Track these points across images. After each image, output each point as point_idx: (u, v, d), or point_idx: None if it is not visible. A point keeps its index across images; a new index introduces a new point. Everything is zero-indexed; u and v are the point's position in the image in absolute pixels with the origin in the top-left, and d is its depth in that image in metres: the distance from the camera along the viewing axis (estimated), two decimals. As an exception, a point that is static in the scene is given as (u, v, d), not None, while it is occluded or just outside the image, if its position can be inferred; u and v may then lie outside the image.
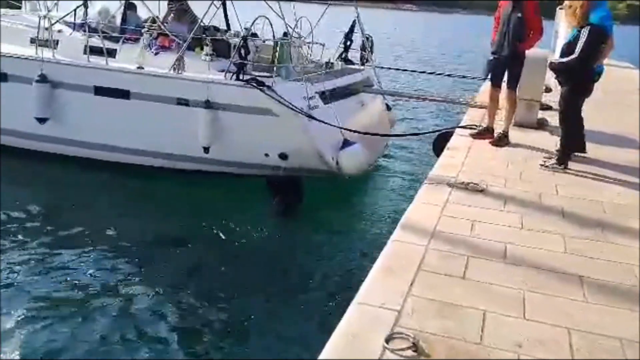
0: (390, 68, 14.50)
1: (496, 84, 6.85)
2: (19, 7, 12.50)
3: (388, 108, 10.69)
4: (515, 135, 6.90)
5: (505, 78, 6.79)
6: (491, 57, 6.82)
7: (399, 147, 11.26)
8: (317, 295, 5.85)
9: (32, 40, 9.26)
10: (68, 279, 5.88)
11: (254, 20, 8.45)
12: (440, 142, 8.11)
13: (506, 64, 6.66)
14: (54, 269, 6.05)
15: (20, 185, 8.42)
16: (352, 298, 3.03)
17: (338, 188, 8.60)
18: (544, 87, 7.87)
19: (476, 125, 7.22)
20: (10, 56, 9.01)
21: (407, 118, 13.95)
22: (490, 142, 6.60)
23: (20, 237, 6.71)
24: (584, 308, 3.10)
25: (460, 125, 7.57)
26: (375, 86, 10.39)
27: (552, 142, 6.47)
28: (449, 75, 14.68)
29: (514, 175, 5.47)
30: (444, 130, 9.03)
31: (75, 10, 9.30)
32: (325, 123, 7.96)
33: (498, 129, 6.87)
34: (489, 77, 6.99)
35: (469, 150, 6.31)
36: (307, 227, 7.60)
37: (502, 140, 6.60)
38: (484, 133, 6.85)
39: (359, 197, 9.03)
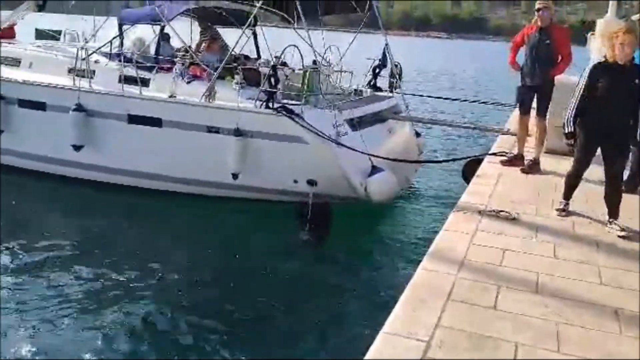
0: (419, 95, 14.51)
1: (525, 111, 6.79)
2: (58, 39, 13.04)
3: (417, 135, 10.66)
4: (546, 162, 6.79)
5: (535, 105, 6.72)
6: (520, 84, 6.78)
7: (427, 173, 11.18)
8: (344, 323, 5.79)
9: (70, 70, 9.61)
10: (88, 301, 5.97)
11: (284, 50, 8.60)
12: (469, 169, 8.04)
13: (535, 91, 6.60)
14: (79, 291, 6.15)
15: (57, 210, 8.64)
16: (380, 327, 2.99)
17: (366, 214, 8.56)
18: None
19: (506, 153, 7.14)
20: (49, 86, 9.35)
21: (436, 145, 13.88)
22: (520, 170, 6.51)
23: (53, 257, 6.86)
24: (620, 341, 2.99)
25: (490, 152, 7.50)
26: (404, 113, 10.39)
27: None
28: (478, 102, 14.61)
29: (546, 204, 5.36)
30: (473, 157, 8.95)
31: (111, 41, 9.63)
32: (354, 150, 7.98)
33: (528, 156, 6.77)
34: (518, 104, 6.93)
35: (499, 177, 6.23)
36: (335, 253, 7.55)
37: (533, 168, 6.50)
38: (514, 160, 6.76)
39: (387, 224, 8.96)
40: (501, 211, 4.94)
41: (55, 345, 5.14)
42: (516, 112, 8.22)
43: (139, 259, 7.04)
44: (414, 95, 13.21)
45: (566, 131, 4.89)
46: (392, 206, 9.13)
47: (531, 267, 3.88)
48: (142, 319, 5.68)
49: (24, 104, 9.46)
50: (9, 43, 11.63)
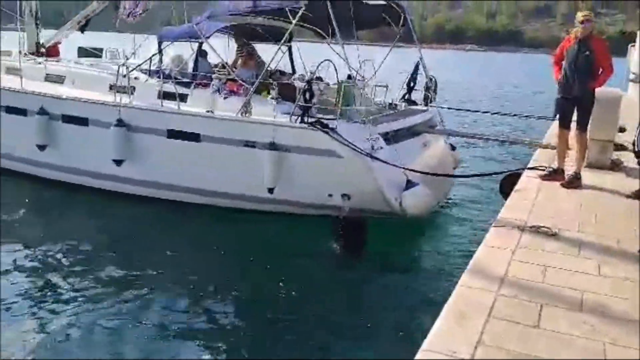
0: (454, 108, 14.38)
1: (565, 125, 6.65)
2: (100, 56, 13.47)
3: (452, 148, 10.56)
4: (587, 176, 6.63)
5: (575, 118, 6.58)
6: (559, 97, 6.65)
7: (464, 188, 11.04)
8: (380, 340, 5.73)
9: (111, 87, 9.90)
10: (125, 311, 6.08)
11: (319, 65, 8.67)
12: (507, 184, 7.89)
13: (575, 104, 6.47)
14: (117, 303, 6.27)
15: (98, 224, 8.86)
16: (418, 344, 2.96)
17: (402, 229, 8.49)
18: (618, 127, 7.56)
19: (545, 167, 7.00)
20: (91, 102, 9.65)
21: (472, 158, 13.71)
22: (561, 184, 6.37)
23: (89, 269, 7.03)
24: (673, 364, 2.88)
25: (528, 166, 7.36)
26: (439, 126, 10.32)
27: (628, 184, 6.16)
28: (514, 115, 14.39)
29: (588, 219, 5.23)
30: (511, 172, 8.79)
31: (150, 58, 9.89)
32: (389, 164, 7.95)
33: (568, 170, 6.62)
34: (558, 117, 6.80)
35: (539, 192, 6.11)
36: (371, 268, 7.51)
37: (574, 182, 6.35)
38: (554, 175, 6.62)
39: (423, 239, 8.87)
40: (542, 227, 4.84)
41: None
42: (554, 125, 8.07)
43: (175, 270, 7.16)
44: (449, 108, 13.10)
45: (636, 149, 4.82)
46: (428, 220, 9.04)
47: (574, 284, 3.78)
48: (180, 328, 5.76)
49: (67, 119, 9.78)
50: (54, 61, 12.08)
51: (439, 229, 9.33)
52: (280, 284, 6.88)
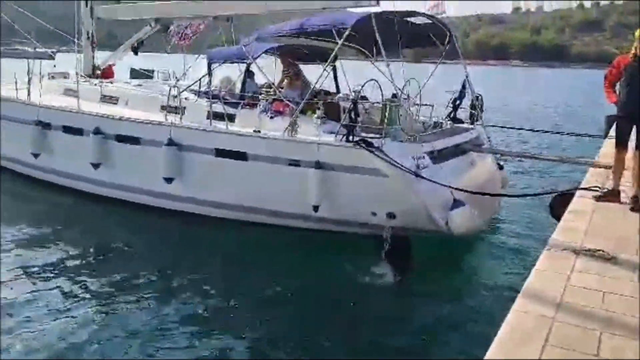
0: (500, 126, 14.16)
1: (622, 145, 6.45)
2: (151, 77, 13.95)
3: (500, 167, 10.38)
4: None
5: (633, 137, 6.37)
6: (610, 115, 6.47)
7: (511, 207, 10.80)
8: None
9: (162, 107, 10.23)
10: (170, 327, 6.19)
11: (364, 84, 8.72)
12: (558, 204, 7.68)
13: (634, 124, 6.27)
14: (156, 316, 6.41)
15: (147, 240, 9.12)
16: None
17: (448, 249, 8.38)
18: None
19: (599, 187, 6.79)
20: (143, 122, 9.98)
21: (520, 178, 13.42)
22: (631, 209, 6.12)
23: (134, 285, 7.21)
24: None
25: (581, 187, 7.16)
26: (486, 145, 10.18)
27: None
28: (563, 133, 14.04)
29: (647, 243, 5.03)
30: (562, 192, 8.57)
31: (200, 79, 10.18)
32: (435, 182, 7.89)
33: (623, 191, 6.40)
34: (614, 136, 6.60)
35: (593, 213, 5.93)
36: (416, 290, 7.42)
37: (636, 204, 6.12)
38: (609, 196, 6.41)
39: (470, 260, 8.72)
40: (598, 250, 4.69)
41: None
42: (606, 144, 7.84)
43: (218, 288, 7.25)
44: (495, 127, 12.90)
45: None
46: (475, 241, 8.89)
47: (636, 311, 3.64)
48: (221, 348, 5.82)
49: (120, 139, 10.14)
50: (109, 82, 12.58)
51: (486, 249, 9.15)
52: (326, 305, 6.88)
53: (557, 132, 14.12)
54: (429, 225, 8.09)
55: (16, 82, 11.82)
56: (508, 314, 3.56)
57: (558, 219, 6.06)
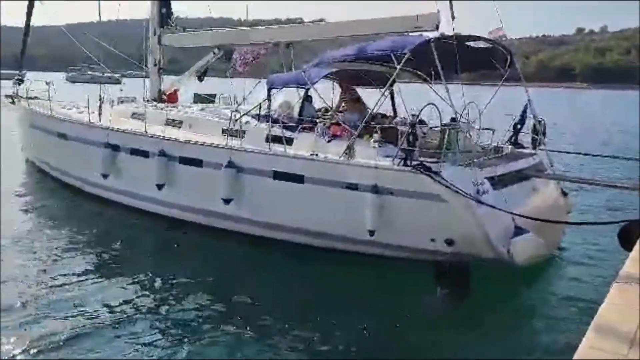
0: (564, 152, 13.69)
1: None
2: (213, 101, 14.43)
3: (564, 194, 10.02)
4: None
5: None
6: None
7: (576, 236, 10.35)
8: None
9: (224, 131, 10.54)
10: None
11: (422, 108, 8.68)
12: (628, 233, 7.29)
13: None
14: (215, 336, 6.50)
15: (206, 262, 9.31)
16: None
17: (509, 277, 8.10)
18: None
19: (674, 216, 6.43)
20: (205, 145, 10.30)
21: (585, 205, 12.88)
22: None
23: (192, 303, 7.36)
24: None
25: (653, 215, 6.80)
26: (549, 170, 9.87)
27: None
28: (631, 159, 13.39)
29: None
30: (631, 220, 8.15)
31: (260, 104, 10.44)
32: (496, 208, 7.70)
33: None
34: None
35: (668, 244, 5.60)
36: (475, 320, 7.20)
37: None
38: (685, 225, 6.06)
39: (533, 289, 8.38)
40: (674, 284, 4.41)
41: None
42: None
43: (270, 308, 7.29)
44: (559, 151, 12.48)
45: None
46: (537, 270, 8.56)
47: None
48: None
49: (183, 161, 10.50)
50: (173, 106, 13.11)
51: (549, 279, 8.81)
52: (383, 334, 6.78)
53: (626, 158, 13.46)
54: (489, 253, 7.88)
55: (88, 106, 12.50)
56: (577, 349, 3.40)
57: (627, 248, 5.76)
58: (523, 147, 10.31)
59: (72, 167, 13.12)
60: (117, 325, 6.70)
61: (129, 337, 6.46)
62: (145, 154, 11.03)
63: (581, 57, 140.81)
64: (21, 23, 16.75)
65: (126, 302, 7.41)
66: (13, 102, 16.93)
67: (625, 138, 29.52)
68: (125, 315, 6.99)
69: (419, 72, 10.76)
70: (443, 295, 7.60)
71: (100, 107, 12.72)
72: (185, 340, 6.45)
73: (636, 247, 5.58)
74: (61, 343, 6.19)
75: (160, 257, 9.35)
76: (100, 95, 13.12)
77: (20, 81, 16.74)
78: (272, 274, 8.70)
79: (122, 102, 14.25)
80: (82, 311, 7.05)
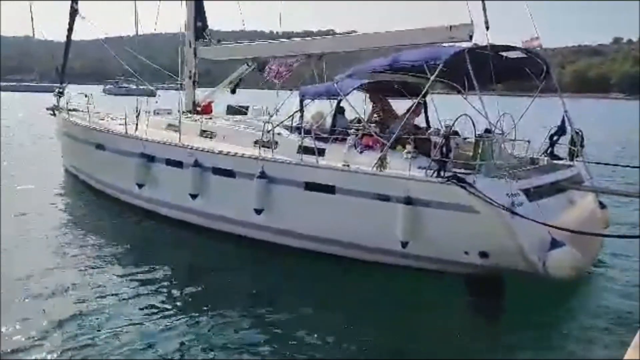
0: (602, 163, 13.34)
1: None
2: (246, 113, 14.61)
3: (602, 206, 9.77)
4: None
5: None
6: None
7: (614, 249, 10.06)
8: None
9: (256, 142, 10.65)
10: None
11: (456, 119, 8.60)
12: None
13: None
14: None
15: (231, 268, 9.40)
16: None
17: (544, 291, 7.90)
18: None
19: None
20: (238, 156, 10.42)
21: (624, 218, 12.50)
22: None
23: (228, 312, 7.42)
24: None
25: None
26: (587, 182, 9.65)
27: None
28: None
29: None
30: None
31: (292, 115, 10.51)
32: (531, 220, 7.56)
33: None
34: None
35: None
36: (514, 332, 7.04)
37: None
38: None
39: (571, 304, 8.15)
40: None
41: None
42: None
43: (304, 321, 7.27)
44: (598, 164, 12.18)
45: None
46: (574, 285, 8.34)
47: None
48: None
49: (217, 171, 10.64)
50: (208, 118, 13.33)
51: (587, 293, 8.56)
52: (417, 344, 6.71)
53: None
54: (524, 265, 7.73)
55: (125, 117, 12.82)
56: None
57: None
58: (560, 159, 10.11)
59: (109, 176, 13.45)
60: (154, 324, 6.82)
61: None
62: (179, 164, 11.21)
63: (618, 67, 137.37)
64: (55, 36, 17.34)
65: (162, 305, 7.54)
66: (54, 114, 17.50)
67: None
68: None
69: (453, 83, 10.70)
70: (475, 310, 7.48)
71: (136, 118, 13.02)
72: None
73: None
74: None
75: (190, 264, 9.49)
76: (136, 107, 13.44)
77: (60, 94, 17.31)
78: (304, 285, 8.69)
79: (157, 113, 14.57)
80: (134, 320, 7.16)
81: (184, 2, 14.91)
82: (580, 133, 9.93)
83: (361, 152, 9.42)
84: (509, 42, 9.40)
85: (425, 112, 11.54)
